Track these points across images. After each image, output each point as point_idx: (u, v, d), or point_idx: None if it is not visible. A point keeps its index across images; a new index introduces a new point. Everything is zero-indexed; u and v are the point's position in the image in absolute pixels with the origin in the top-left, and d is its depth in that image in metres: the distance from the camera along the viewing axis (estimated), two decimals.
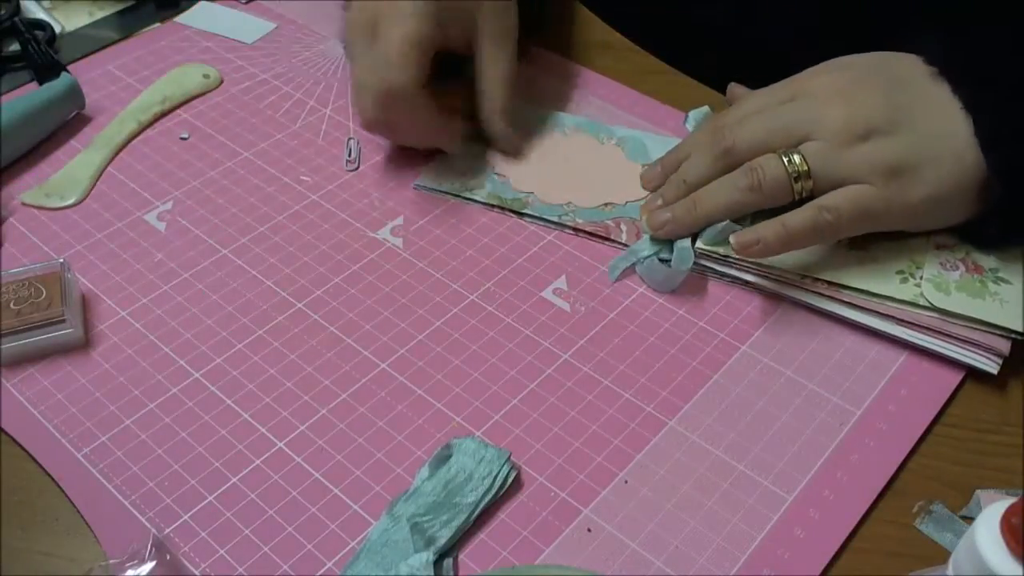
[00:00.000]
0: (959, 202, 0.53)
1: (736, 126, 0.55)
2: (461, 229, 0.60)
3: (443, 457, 0.47)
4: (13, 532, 0.45)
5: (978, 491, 0.47)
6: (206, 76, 0.70)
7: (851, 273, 0.54)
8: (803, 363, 0.53)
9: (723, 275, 0.56)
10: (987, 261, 0.55)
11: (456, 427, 0.49)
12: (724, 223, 0.54)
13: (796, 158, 0.52)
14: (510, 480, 0.46)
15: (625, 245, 0.58)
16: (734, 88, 0.62)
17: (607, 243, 0.59)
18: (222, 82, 0.71)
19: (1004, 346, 0.51)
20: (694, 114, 0.64)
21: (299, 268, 0.57)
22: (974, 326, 0.52)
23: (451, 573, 0.43)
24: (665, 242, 0.56)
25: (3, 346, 0.51)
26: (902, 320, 0.52)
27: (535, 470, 0.48)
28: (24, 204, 0.61)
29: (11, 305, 0.51)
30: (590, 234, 0.59)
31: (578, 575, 0.43)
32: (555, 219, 0.60)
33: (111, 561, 0.43)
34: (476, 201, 0.61)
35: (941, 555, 0.45)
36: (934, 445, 0.49)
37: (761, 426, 0.50)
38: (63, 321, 0.51)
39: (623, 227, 0.59)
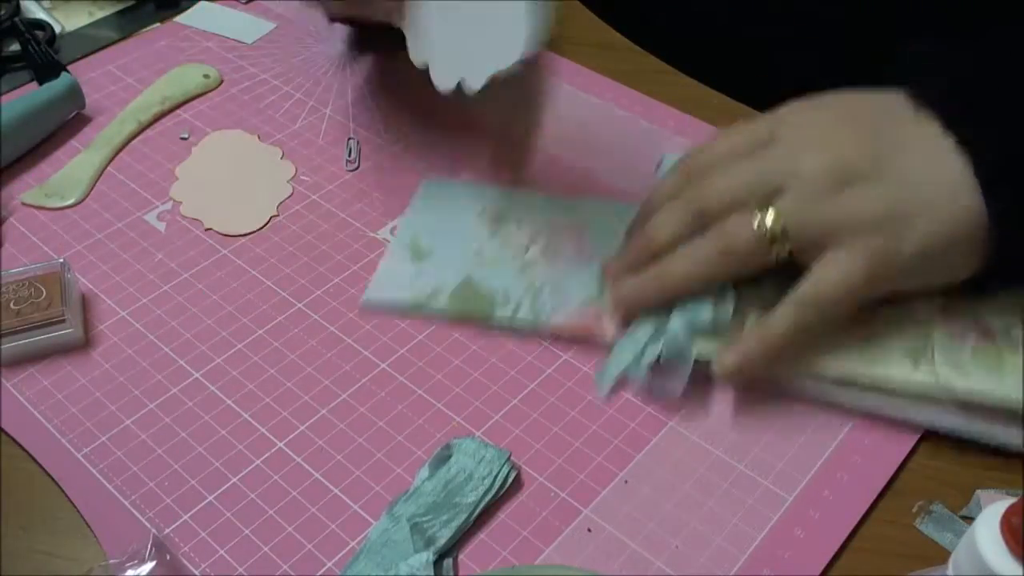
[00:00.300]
0: (956, 253, 0.47)
1: (706, 180, 0.50)
2: (436, 312, 0.57)
3: (443, 457, 0.47)
4: (13, 532, 0.45)
5: (978, 491, 0.47)
6: (206, 76, 0.70)
7: (859, 360, 0.48)
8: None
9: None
10: (996, 322, 0.49)
11: (456, 427, 0.49)
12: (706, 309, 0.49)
13: (769, 218, 0.47)
14: (510, 480, 0.46)
15: (612, 345, 0.51)
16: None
17: (591, 342, 0.52)
18: (222, 82, 0.71)
19: None
20: (669, 159, 0.58)
21: (299, 268, 0.57)
22: (998, 404, 0.47)
23: (451, 573, 0.43)
24: (652, 333, 0.50)
25: (3, 346, 0.51)
26: (923, 401, 0.48)
27: (535, 470, 0.48)
28: (24, 204, 0.61)
29: (11, 305, 0.51)
30: (571, 337, 0.52)
31: (578, 575, 0.43)
32: (529, 324, 0.53)
33: (111, 561, 0.43)
34: (435, 313, 0.54)
35: (941, 555, 0.45)
36: (934, 445, 0.49)
37: (761, 426, 0.50)
38: (63, 321, 0.51)
39: (606, 321, 0.52)
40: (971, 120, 0.47)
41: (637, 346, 0.50)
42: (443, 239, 0.58)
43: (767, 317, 0.47)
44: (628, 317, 0.51)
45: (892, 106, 0.49)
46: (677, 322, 0.49)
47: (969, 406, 0.47)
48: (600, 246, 0.56)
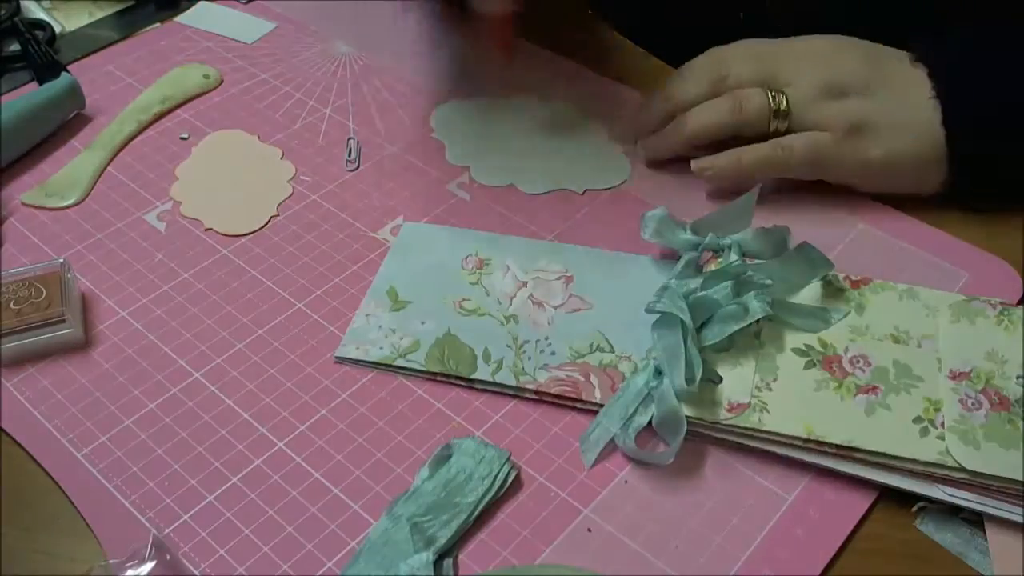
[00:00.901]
0: (914, 171, 0.58)
1: (731, 60, 0.60)
2: (415, 369, 0.55)
3: (443, 457, 0.47)
4: (13, 532, 0.45)
5: None
6: (206, 76, 0.70)
7: (862, 429, 0.47)
8: None
9: (721, 441, 0.48)
10: (1013, 390, 0.48)
11: (456, 427, 0.49)
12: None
13: (780, 97, 0.58)
14: (510, 480, 0.46)
15: (600, 405, 0.49)
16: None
17: (579, 405, 0.50)
18: (222, 82, 0.71)
19: None
20: (651, 217, 0.55)
21: (299, 268, 0.57)
22: (1010, 486, 0.45)
23: (451, 573, 0.43)
24: (642, 399, 0.48)
25: (3, 346, 0.51)
26: (932, 478, 0.46)
27: (535, 470, 0.48)
28: (24, 204, 0.61)
29: (11, 305, 0.51)
30: (556, 397, 0.50)
31: (578, 575, 0.43)
32: (512, 384, 0.50)
33: (111, 561, 0.43)
34: (413, 370, 0.51)
35: (941, 555, 0.45)
36: None
37: None
38: (63, 321, 0.52)
39: (594, 380, 0.50)
40: (949, 77, 0.57)
41: (625, 410, 0.48)
42: (423, 288, 0.55)
43: (745, 147, 0.58)
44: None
45: (891, 53, 0.59)
46: (667, 384, 0.47)
47: (978, 481, 0.45)
48: (587, 295, 0.54)
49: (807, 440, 0.47)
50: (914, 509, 0.46)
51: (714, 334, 0.50)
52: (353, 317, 0.54)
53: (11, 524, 0.46)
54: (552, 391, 0.50)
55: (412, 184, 0.63)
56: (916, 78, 0.57)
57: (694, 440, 0.48)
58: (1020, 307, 0.52)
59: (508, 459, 0.47)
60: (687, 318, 0.49)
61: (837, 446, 0.46)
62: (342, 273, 0.57)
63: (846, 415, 0.47)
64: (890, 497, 0.47)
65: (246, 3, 0.79)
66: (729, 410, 0.48)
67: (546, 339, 0.52)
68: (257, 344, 0.53)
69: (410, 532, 0.44)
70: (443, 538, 0.44)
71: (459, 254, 0.57)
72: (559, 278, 0.56)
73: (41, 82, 0.67)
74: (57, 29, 0.74)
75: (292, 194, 0.62)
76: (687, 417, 0.47)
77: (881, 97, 0.57)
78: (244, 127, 0.67)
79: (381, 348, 0.52)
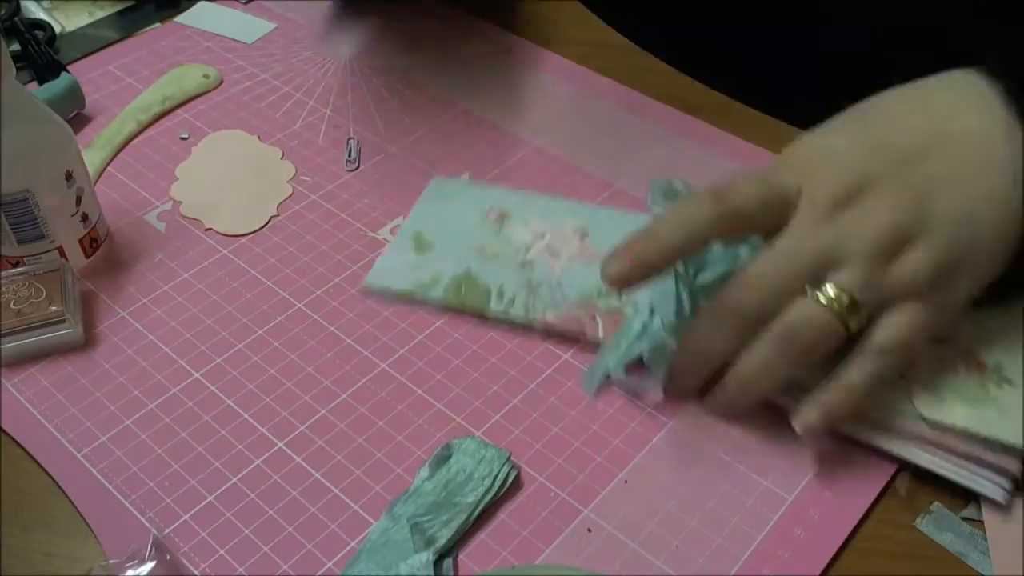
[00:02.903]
0: (982, 285, 0.47)
1: (751, 284, 0.46)
2: (433, 300, 0.58)
3: (443, 457, 0.47)
4: (13, 532, 0.45)
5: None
6: (206, 76, 0.70)
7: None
8: None
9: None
10: (990, 354, 0.48)
11: (456, 427, 0.49)
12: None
13: (834, 293, 0.45)
14: (510, 480, 0.46)
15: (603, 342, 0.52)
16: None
17: (583, 343, 0.52)
18: (222, 82, 0.71)
19: (1013, 465, 0.45)
20: (655, 186, 0.53)
21: (299, 268, 0.57)
22: (974, 442, 0.46)
23: (451, 573, 0.43)
24: (637, 333, 0.50)
25: (3, 346, 0.51)
26: (893, 431, 0.47)
27: (535, 470, 0.48)
28: None
29: (11, 305, 0.51)
30: (562, 333, 0.53)
31: (578, 575, 0.43)
32: (521, 319, 0.53)
33: (111, 561, 0.43)
34: (431, 301, 0.55)
35: (941, 555, 0.45)
36: None
37: (762, 426, 0.50)
38: (63, 321, 0.52)
39: (598, 320, 0.53)
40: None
41: (621, 346, 0.50)
42: (447, 233, 0.58)
43: (843, 371, 0.46)
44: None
45: (922, 101, 0.48)
46: (659, 322, 0.49)
47: (946, 438, 0.46)
48: (600, 248, 0.55)
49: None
50: (914, 513, 0.46)
51: (705, 278, 0.50)
52: (381, 254, 0.58)
53: (11, 524, 0.46)
54: (558, 328, 0.53)
55: (412, 184, 0.63)
56: (979, 111, 0.46)
57: (695, 439, 0.48)
58: None
59: (508, 459, 0.47)
60: (680, 265, 0.49)
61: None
62: (342, 273, 0.57)
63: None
64: (890, 497, 0.47)
65: (246, 3, 0.79)
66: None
67: (558, 284, 0.55)
68: (257, 344, 0.53)
69: (410, 532, 0.44)
70: (443, 538, 0.44)
71: (483, 206, 0.60)
72: (575, 232, 0.58)
73: (41, 82, 0.67)
74: (57, 29, 0.74)
75: (292, 194, 0.62)
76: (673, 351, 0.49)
77: (940, 221, 0.45)
78: (244, 127, 0.67)
79: (404, 282, 0.55)
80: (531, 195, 0.61)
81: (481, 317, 0.54)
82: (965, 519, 0.46)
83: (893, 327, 0.45)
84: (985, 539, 0.45)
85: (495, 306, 0.54)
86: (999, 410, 0.46)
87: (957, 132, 0.47)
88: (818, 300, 0.45)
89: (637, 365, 0.50)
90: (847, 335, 0.45)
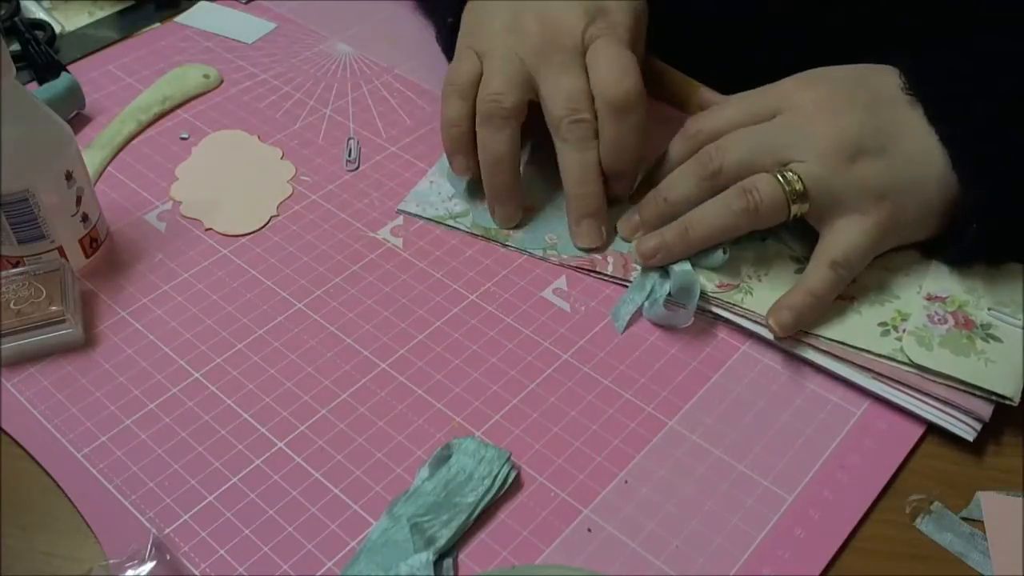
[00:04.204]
0: (931, 223, 0.53)
1: (721, 145, 0.54)
2: (461, 229, 0.60)
3: (443, 457, 0.47)
4: (13, 532, 0.45)
5: (979, 492, 0.47)
6: (206, 76, 0.70)
7: (831, 323, 0.52)
8: (803, 364, 0.52)
9: (705, 312, 0.54)
10: (980, 315, 0.52)
11: (456, 427, 0.49)
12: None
13: (792, 177, 0.51)
14: (510, 480, 0.46)
15: (613, 278, 0.56)
16: (704, 93, 0.63)
17: (594, 275, 0.57)
18: (222, 82, 0.71)
19: (985, 410, 0.48)
20: None
21: (299, 268, 0.57)
22: (954, 386, 0.49)
23: (451, 573, 0.43)
24: (660, 272, 0.55)
25: (3, 346, 0.51)
26: (878, 373, 0.50)
27: (535, 470, 0.48)
28: None
29: (11, 305, 0.51)
30: (575, 268, 0.57)
31: (578, 575, 0.43)
32: (539, 253, 0.58)
33: (111, 561, 0.43)
34: (460, 229, 0.59)
35: (941, 555, 0.45)
36: (935, 445, 0.49)
37: (761, 426, 0.50)
38: (63, 321, 0.52)
39: (609, 259, 0.57)
40: (951, 119, 0.52)
41: (646, 283, 0.55)
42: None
43: (805, 277, 0.52)
44: (653, 265, 0.55)
45: (886, 86, 0.53)
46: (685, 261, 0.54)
47: (925, 383, 0.50)
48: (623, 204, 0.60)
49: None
50: (908, 510, 0.46)
51: None
52: (417, 184, 0.62)
53: (11, 524, 0.46)
54: (572, 264, 0.57)
55: (412, 184, 0.63)
56: (919, 120, 0.52)
57: (695, 439, 0.48)
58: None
59: (508, 459, 0.47)
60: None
61: (802, 331, 0.52)
62: (342, 273, 0.57)
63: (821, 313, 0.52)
64: (890, 497, 0.47)
65: (246, 3, 0.79)
66: (719, 287, 0.54)
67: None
68: (257, 344, 0.53)
69: (410, 532, 0.44)
70: (443, 538, 0.44)
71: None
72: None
73: (41, 82, 0.67)
74: (57, 29, 0.74)
75: (292, 194, 0.62)
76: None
77: (896, 151, 0.52)
78: (244, 127, 0.67)
79: (436, 209, 0.61)
80: None
81: (502, 246, 0.58)
82: (965, 519, 0.46)
83: (845, 241, 0.52)
84: (985, 539, 0.45)
85: (514, 242, 0.58)
86: (983, 361, 0.50)
87: (913, 118, 0.53)
88: (776, 177, 0.52)
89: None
90: (787, 218, 0.52)
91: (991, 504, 0.46)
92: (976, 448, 0.49)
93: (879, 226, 0.52)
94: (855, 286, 0.53)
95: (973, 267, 0.54)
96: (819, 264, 0.52)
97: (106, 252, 0.58)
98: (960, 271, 0.54)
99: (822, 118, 0.52)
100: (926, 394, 0.49)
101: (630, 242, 0.57)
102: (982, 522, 0.46)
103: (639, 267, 0.56)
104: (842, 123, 0.52)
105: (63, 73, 0.67)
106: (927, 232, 0.54)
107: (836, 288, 0.52)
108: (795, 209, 0.52)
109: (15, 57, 0.71)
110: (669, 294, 0.53)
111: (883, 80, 0.54)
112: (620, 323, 0.54)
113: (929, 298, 0.53)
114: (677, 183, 0.55)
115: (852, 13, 0.61)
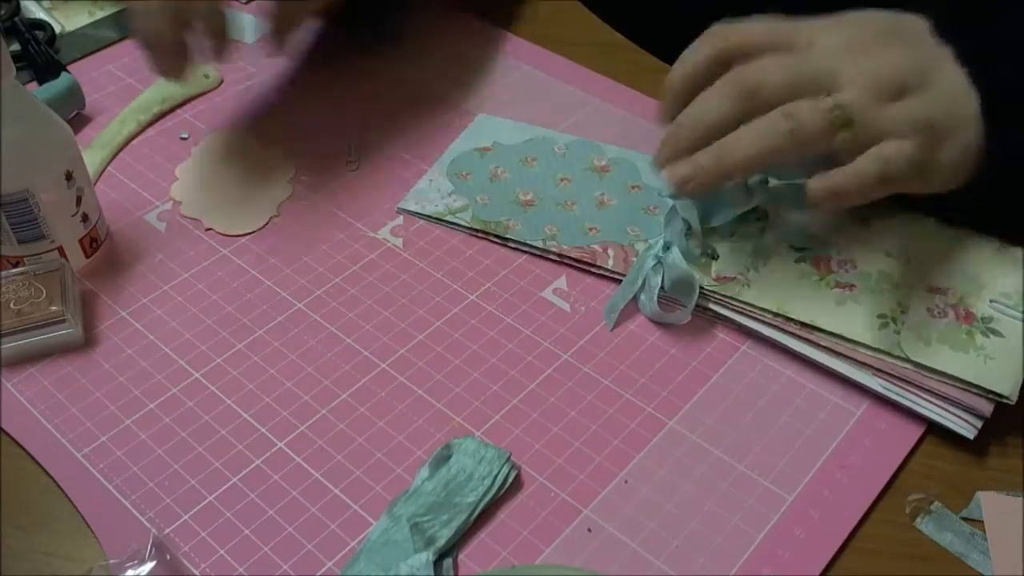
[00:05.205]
0: (966, 167, 0.51)
1: (759, 65, 0.50)
2: (461, 229, 0.60)
3: (443, 457, 0.47)
4: (13, 532, 0.45)
5: (979, 492, 0.47)
6: (206, 76, 0.70)
7: (828, 314, 0.51)
8: (803, 363, 0.52)
9: (705, 311, 0.54)
10: (981, 308, 0.52)
11: (456, 427, 0.49)
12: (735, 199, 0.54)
13: (838, 103, 0.48)
14: (510, 480, 0.46)
15: (612, 271, 0.56)
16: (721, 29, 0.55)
17: (594, 274, 0.57)
18: (222, 82, 0.71)
19: (986, 407, 0.48)
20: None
21: (299, 268, 0.57)
22: (952, 383, 0.49)
23: (451, 573, 0.43)
24: (652, 265, 0.54)
25: (3, 346, 0.51)
26: (877, 369, 0.50)
27: (535, 470, 0.48)
28: None
29: (11, 305, 0.51)
30: (575, 260, 0.57)
31: (578, 575, 0.43)
32: (538, 244, 0.58)
33: (111, 561, 0.43)
34: (460, 226, 0.59)
35: (941, 555, 0.45)
36: (934, 446, 0.49)
37: (761, 426, 0.50)
38: (63, 321, 0.52)
39: (610, 252, 0.57)
40: (978, 62, 0.50)
41: (638, 276, 0.54)
42: (482, 166, 0.63)
43: (851, 166, 0.49)
44: (689, 195, 0.52)
45: (916, 27, 0.52)
46: (676, 252, 0.53)
47: (923, 378, 0.49)
48: (621, 197, 0.61)
49: (775, 315, 0.52)
50: (908, 510, 0.46)
51: (719, 219, 0.55)
52: (418, 183, 0.62)
53: (11, 524, 0.46)
54: (572, 256, 0.57)
55: (412, 184, 0.63)
56: (951, 60, 0.51)
57: (695, 439, 0.48)
58: (1020, 247, 0.55)
59: (508, 459, 0.47)
60: (693, 209, 0.54)
61: (800, 324, 0.51)
62: (342, 273, 0.57)
63: (817, 301, 0.52)
64: (890, 497, 0.47)
65: (246, 3, 0.79)
66: (716, 279, 0.54)
67: (581, 223, 0.59)
68: (257, 344, 0.53)
69: (410, 532, 0.44)
70: (443, 538, 0.44)
71: (519, 139, 0.65)
72: (599, 170, 0.63)
73: (41, 82, 0.67)
74: (57, 29, 0.74)
75: (292, 194, 0.62)
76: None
77: (937, 88, 0.50)
78: (244, 127, 0.67)
79: (436, 205, 0.60)
80: (565, 137, 0.65)
81: (501, 240, 0.58)
82: (965, 519, 0.46)
83: (889, 147, 0.48)
84: (985, 539, 0.45)
85: (514, 235, 0.58)
86: (983, 357, 0.49)
87: (948, 59, 0.51)
88: (819, 105, 0.48)
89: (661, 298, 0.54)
90: (830, 147, 0.49)
91: (991, 504, 0.46)
92: (976, 448, 0.49)
93: (921, 151, 0.49)
94: (856, 274, 0.53)
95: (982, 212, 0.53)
96: (867, 156, 0.49)
97: (106, 252, 0.58)
98: (962, 262, 0.54)
99: (863, 51, 0.50)
100: (925, 391, 0.49)
101: (662, 168, 0.52)
102: (982, 522, 0.46)
103: (636, 259, 0.56)
104: (885, 57, 0.50)
105: (63, 73, 0.67)
106: (958, 179, 0.51)
107: (880, 183, 0.49)
108: (840, 137, 0.48)
109: (15, 57, 0.71)
110: (663, 288, 0.53)
111: (914, 23, 0.52)
112: (611, 319, 0.54)
113: (930, 289, 0.53)
114: (711, 105, 0.51)
115: None
